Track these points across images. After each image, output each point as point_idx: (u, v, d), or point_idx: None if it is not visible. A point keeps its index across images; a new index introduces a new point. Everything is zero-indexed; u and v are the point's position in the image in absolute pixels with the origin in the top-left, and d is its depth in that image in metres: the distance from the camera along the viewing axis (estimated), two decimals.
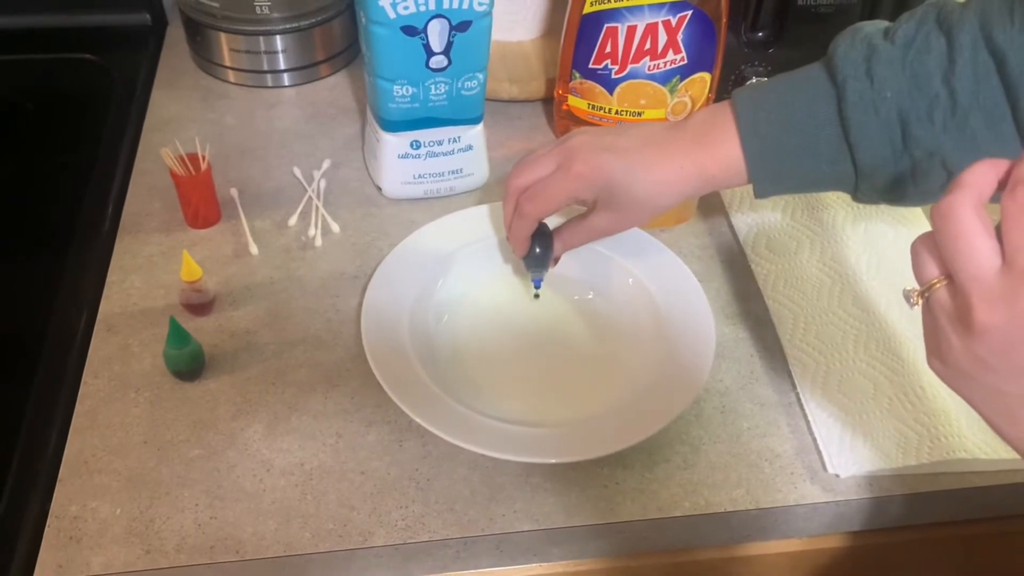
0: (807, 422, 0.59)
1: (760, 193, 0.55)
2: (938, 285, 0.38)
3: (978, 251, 0.36)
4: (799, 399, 0.61)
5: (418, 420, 0.55)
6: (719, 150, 0.54)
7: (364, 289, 0.64)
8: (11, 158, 0.78)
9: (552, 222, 0.62)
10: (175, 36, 0.90)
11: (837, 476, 0.56)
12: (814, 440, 0.58)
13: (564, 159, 0.56)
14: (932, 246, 0.38)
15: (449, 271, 0.66)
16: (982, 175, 0.37)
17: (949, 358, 0.38)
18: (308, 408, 0.59)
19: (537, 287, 0.65)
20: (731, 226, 0.72)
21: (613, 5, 0.69)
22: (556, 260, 0.63)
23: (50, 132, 0.80)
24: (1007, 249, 0.35)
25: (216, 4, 0.81)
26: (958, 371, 0.38)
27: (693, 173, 0.55)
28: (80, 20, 0.88)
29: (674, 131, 0.56)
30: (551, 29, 0.88)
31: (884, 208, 0.71)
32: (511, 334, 0.65)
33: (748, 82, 0.79)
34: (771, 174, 0.54)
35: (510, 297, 0.67)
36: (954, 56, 0.49)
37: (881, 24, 0.53)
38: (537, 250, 0.61)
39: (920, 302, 0.39)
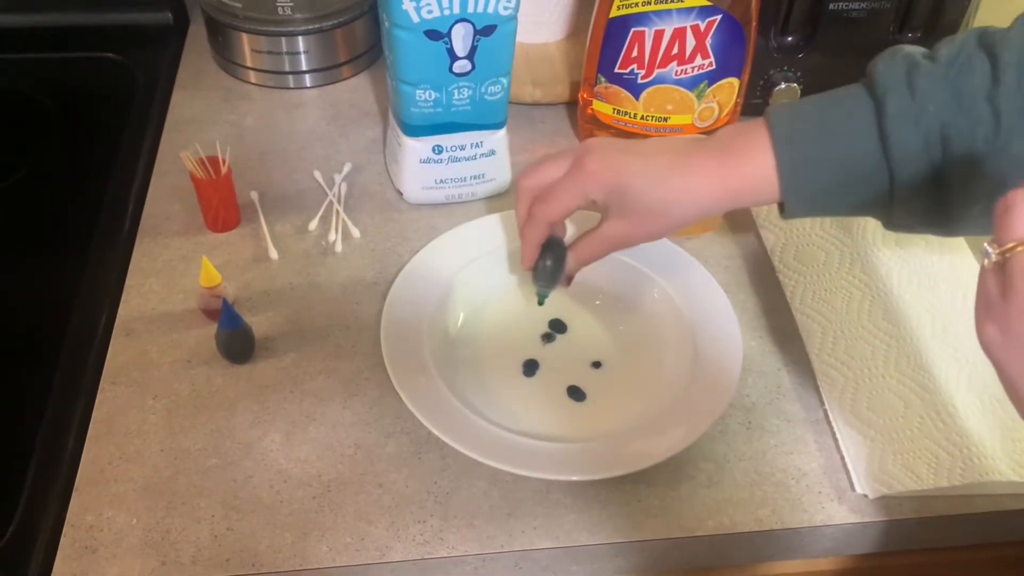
0: (835, 440, 0.58)
1: (789, 211, 0.53)
2: (1020, 249, 0.36)
3: None
4: (827, 416, 0.59)
5: (437, 433, 0.54)
6: (747, 161, 0.52)
7: (384, 296, 0.63)
8: (31, 156, 0.77)
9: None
10: (197, 36, 0.89)
11: (865, 496, 0.55)
12: (842, 459, 0.57)
13: (578, 158, 0.55)
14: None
15: (470, 279, 0.65)
16: None
17: (1013, 323, 0.36)
18: (326, 418, 0.58)
19: (541, 303, 0.62)
20: (759, 236, 0.71)
21: (640, 9, 0.68)
22: (569, 280, 0.60)
23: (70, 130, 0.80)
24: None
25: (238, 4, 0.80)
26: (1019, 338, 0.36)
27: (714, 184, 0.53)
28: (101, 19, 0.88)
29: (698, 143, 0.54)
30: (576, 30, 0.87)
31: None
32: (533, 346, 0.64)
33: (777, 88, 0.78)
34: (803, 190, 0.52)
35: (533, 308, 0.66)
36: (998, 75, 0.47)
37: (920, 48, 0.51)
38: (548, 263, 0.58)
39: (995, 260, 0.37)
